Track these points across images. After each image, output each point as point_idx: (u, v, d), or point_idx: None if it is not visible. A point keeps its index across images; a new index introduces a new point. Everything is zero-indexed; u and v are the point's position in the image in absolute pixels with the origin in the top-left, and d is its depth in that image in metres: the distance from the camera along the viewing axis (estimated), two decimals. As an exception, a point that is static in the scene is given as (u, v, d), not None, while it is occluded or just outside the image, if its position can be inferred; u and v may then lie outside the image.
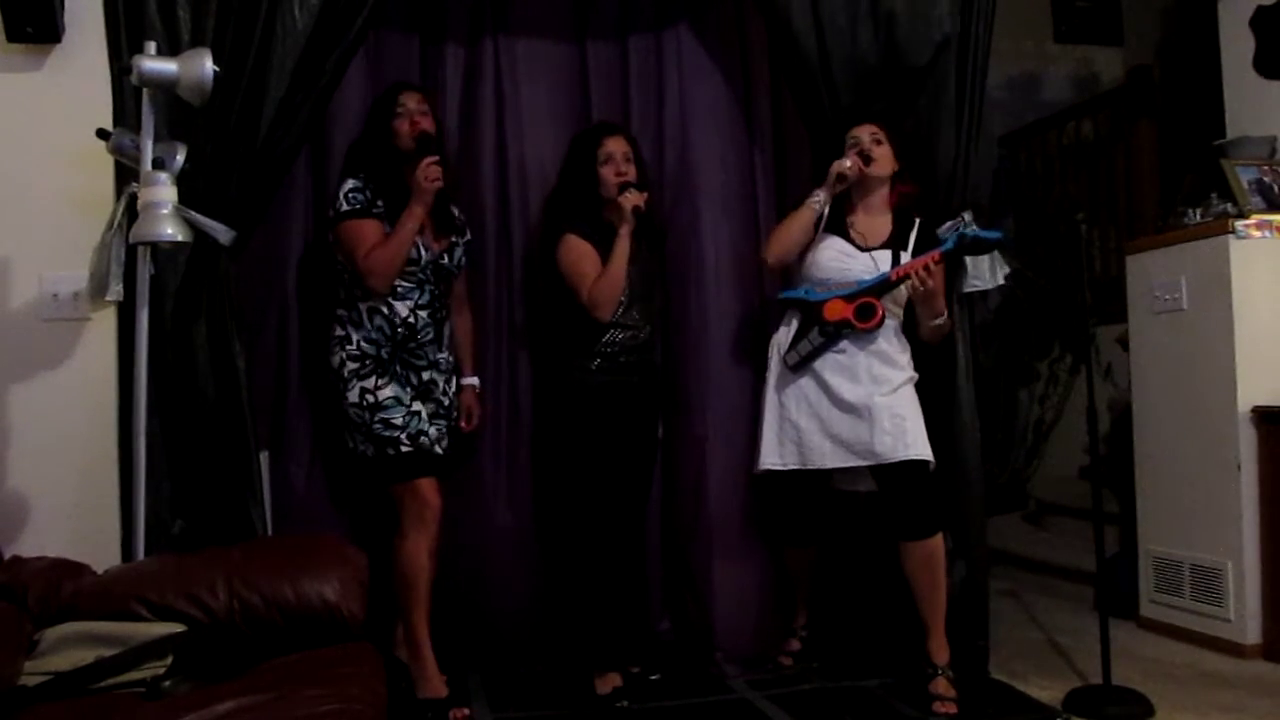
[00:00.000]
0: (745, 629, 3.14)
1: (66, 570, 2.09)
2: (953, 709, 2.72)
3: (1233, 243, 3.24)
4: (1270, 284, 3.26)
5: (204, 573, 2.06)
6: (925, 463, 2.79)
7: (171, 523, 2.54)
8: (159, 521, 2.50)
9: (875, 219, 2.94)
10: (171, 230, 2.32)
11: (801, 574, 3.16)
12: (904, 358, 2.89)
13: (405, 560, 2.70)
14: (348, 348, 2.73)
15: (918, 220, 2.92)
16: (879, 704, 2.83)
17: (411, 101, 2.78)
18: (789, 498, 3.05)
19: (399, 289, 2.73)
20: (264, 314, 2.95)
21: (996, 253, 2.97)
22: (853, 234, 2.91)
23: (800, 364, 2.88)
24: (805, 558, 3.13)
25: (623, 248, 2.80)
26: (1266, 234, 3.26)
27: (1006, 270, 3.01)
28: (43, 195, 2.54)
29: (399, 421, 2.70)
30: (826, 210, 2.89)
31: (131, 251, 2.45)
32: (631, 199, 2.81)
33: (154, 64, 2.30)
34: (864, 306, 2.82)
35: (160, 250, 2.46)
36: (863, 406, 2.80)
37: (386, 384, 2.71)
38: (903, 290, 2.87)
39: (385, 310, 2.73)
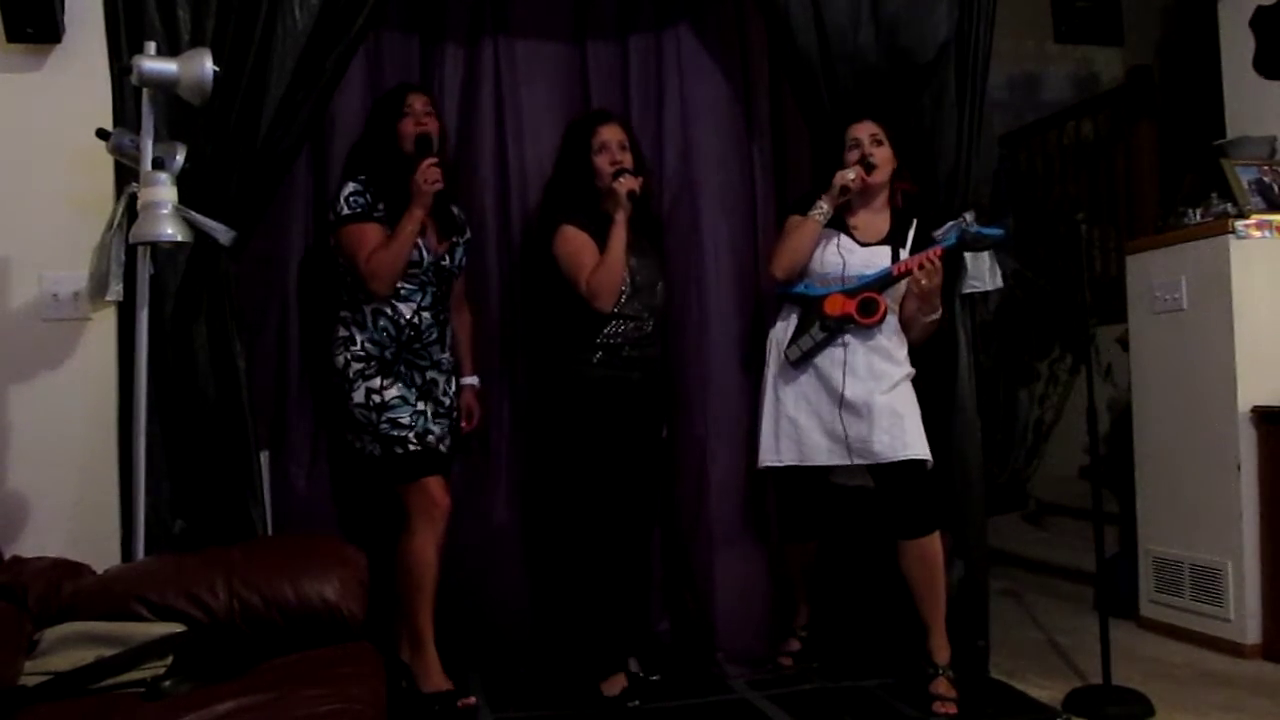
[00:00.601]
0: (745, 629, 3.14)
1: (66, 570, 2.09)
2: (953, 709, 2.72)
3: (1233, 243, 3.24)
4: (1270, 284, 3.26)
5: (204, 573, 2.06)
6: (923, 461, 2.79)
7: (171, 523, 2.54)
8: (159, 521, 2.50)
9: (875, 215, 2.94)
10: (171, 230, 2.31)
11: (801, 571, 3.16)
12: (902, 353, 2.89)
13: (413, 558, 2.70)
14: (352, 349, 2.73)
15: (916, 221, 2.93)
16: (879, 704, 2.83)
17: (418, 103, 2.79)
18: (788, 493, 3.06)
19: (402, 291, 2.74)
20: (264, 314, 2.95)
21: (995, 254, 2.97)
22: (852, 230, 2.91)
23: (801, 359, 2.88)
24: (805, 554, 3.13)
25: (619, 235, 2.77)
26: (1266, 234, 3.26)
27: (1005, 271, 3.01)
28: (43, 195, 2.54)
29: (406, 421, 2.70)
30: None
31: (131, 251, 2.45)
32: (625, 184, 2.77)
33: (154, 64, 2.30)
34: (867, 302, 2.82)
35: (160, 250, 2.46)
36: (862, 404, 2.80)
37: (392, 384, 2.71)
38: (900, 286, 2.86)
39: (389, 312, 2.73)
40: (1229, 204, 3.34)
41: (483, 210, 3.15)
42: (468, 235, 2.96)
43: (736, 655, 3.11)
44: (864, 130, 2.89)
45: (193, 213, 2.42)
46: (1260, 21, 3.60)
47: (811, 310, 2.88)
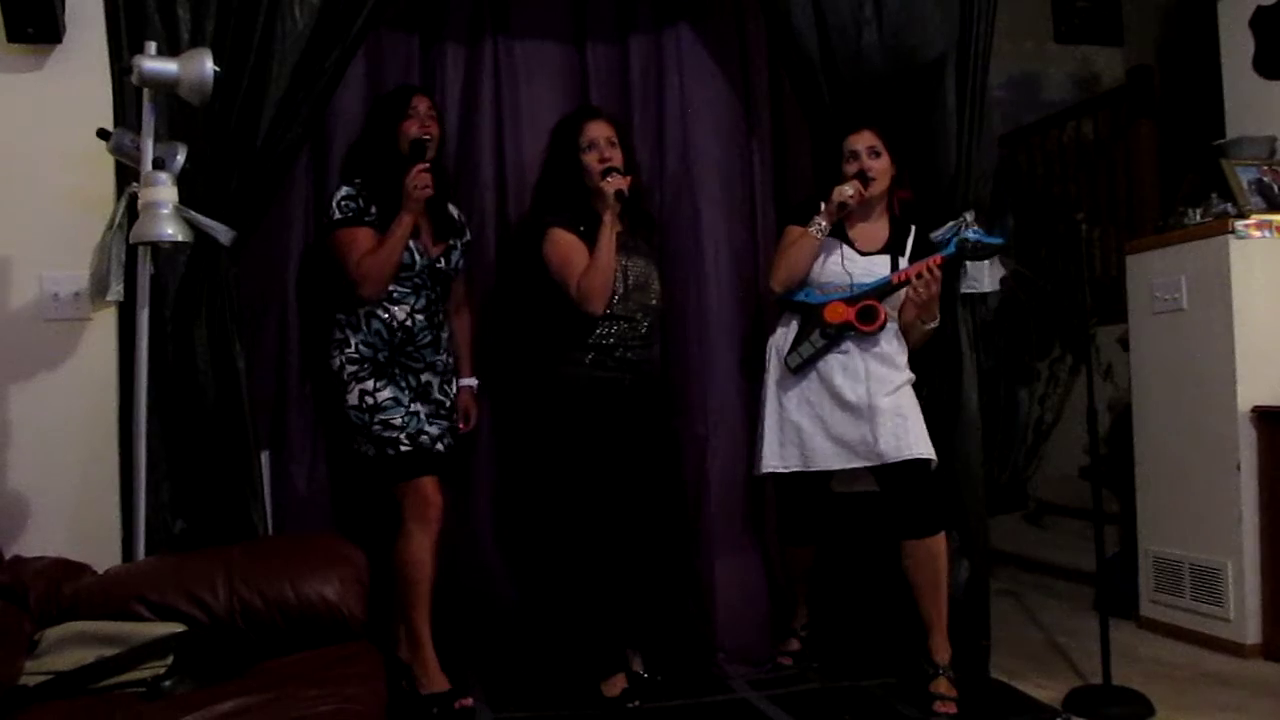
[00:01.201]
0: (745, 629, 3.14)
1: (67, 570, 2.10)
2: (953, 709, 2.72)
3: (1233, 243, 3.24)
4: (1270, 284, 3.26)
5: (204, 573, 2.06)
6: (927, 461, 2.79)
7: (172, 523, 2.54)
8: (159, 521, 2.50)
9: (874, 224, 2.95)
10: (171, 230, 2.31)
11: (801, 573, 3.16)
12: (902, 359, 2.90)
13: (408, 559, 2.71)
14: (346, 351, 2.73)
15: (914, 228, 2.93)
16: (879, 704, 2.83)
17: (422, 105, 2.80)
18: (789, 498, 3.05)
19: (395, 293, 2.74)
20: (264, 314, 2.95)
21: (995, 257, 2.97)
22: (852, 240, 2.92)
23: (802, 366, 2.88)
24: (805, 557, 3.13)
25: (608, 235, 2.73)
26: (1266, 234, 3.26)
27: (1003, 273, 3.01)
28: (43, 195, 2.54)
29: (398, 422, 2.70)
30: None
31: (131, 251, 2.45)
32: (614, 183, 2.74)
33: (154, 64, 2.30)
34: (866, 309, 2.82)
35: (160, 250, 2.46)
36: (864, 406, 2.80)
37: (385, 386, 2.72)
38: (900, 293, 2.87)
39: (383, 314, 2.74)
40: (1229, 204, 3.34)
41: (482, 211, 3.15)
42: (467, 237, 2.96)
43: (736, 655, 3.11)
44: (861, 142, 2.88)
45: (193, 213, 2.42)
46: (1260, 21, 3.60)
47: (811, 318, 2.88)
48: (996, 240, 2.85)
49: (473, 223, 3.11)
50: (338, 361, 2.74)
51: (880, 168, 2.88)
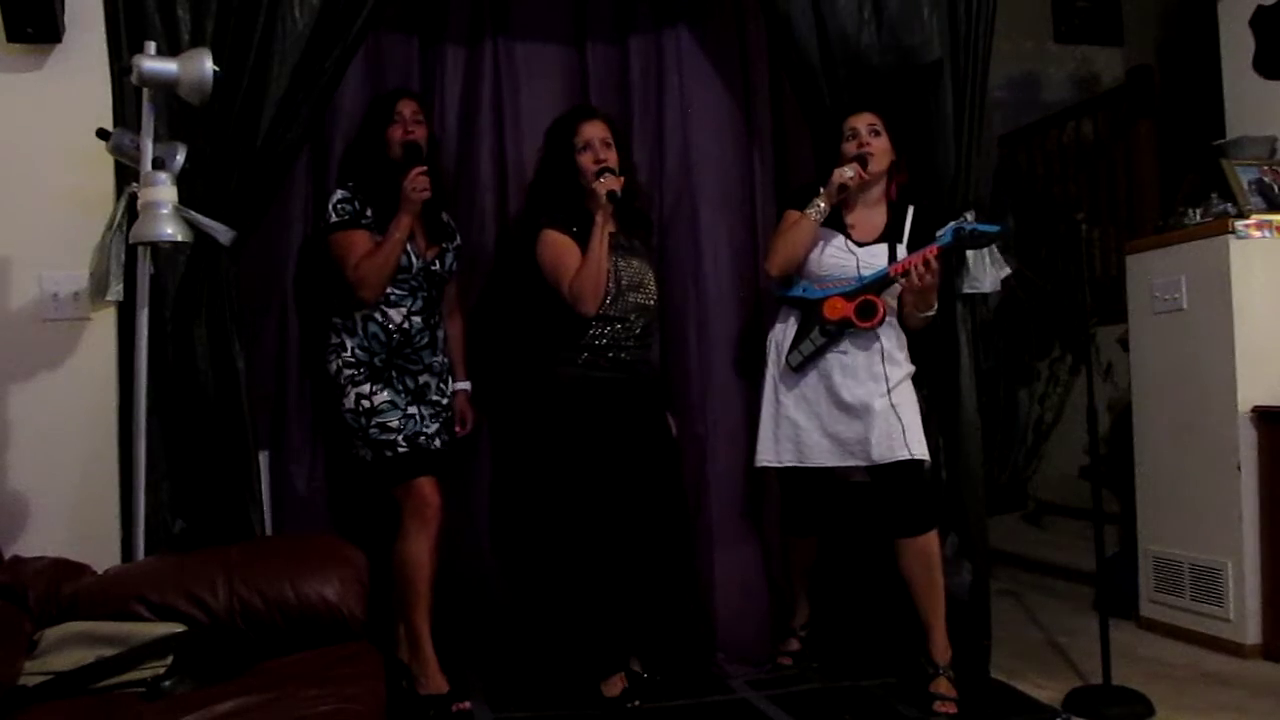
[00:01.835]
0: (745, 629, 3.14)
1: (66, 570, 2.10)
2: (953, 709, 2.73)
3: (1233, 243, 3.24)
4: (1270, 284, 3.26)
5: (204, 573, 2.06)
6: (919, 461, 2.79)
7: (171, 523, 2.54)
8: (159, 521, 2.50)
9: (872, 212, 2.93)
10: (171, 230, 2.31)
11: (802, 569, 3.16)
12: (902, 354, 2.89)
13: (406, 560, 2.71)
14: (343, 355, 2.74)
15: (911, 208, 2.91)
16: (879, 704, 2.83)
17: (407, 110, 2.80)
18: (791, 489, 3.06)
19: (392, 296, 2.75)
20: (264, 314, 2.95)
21: (997, 256, 2.96)
22: (850, 229, 2.91)
23: (803, 364, 2.88)
24: (807, 550, 3.13)
25: (599, 236, 2.73)
26: (1266, 234, 3.26)
27: (1006, 272, 3.00)
28: (43, 195, 2.54)
29: (395, 424, 2.71)
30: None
31: (131, 251, 2.44)
32: (606, 184, 2.73)
33: (154, 64, 2.30)
34: (865, 305, 2.82)
35: (160, 250, 2.46)
36: (862, 407, 2.80)
37: (381, 389, 2.73)
38: (898, 283, 2.86)
39: (379, 317, 2.74)
40: (1229, 204, 3.34)
41: (482, 212, 3.15)
42: (458, 241, 2.96)
43: (736, 655, 3.11)
44: (862, 121, 2.87)
45: (193, 213, 2.42)
46: (1260, 21, 3.60)
47: (810, 314, 2.88)
48: (993, 228, 2.84)
49: (473, 223, 3.11)
50: (334, 366, 2.75)
51: (880, 146, 2.86)
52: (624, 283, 2.83)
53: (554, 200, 2.84)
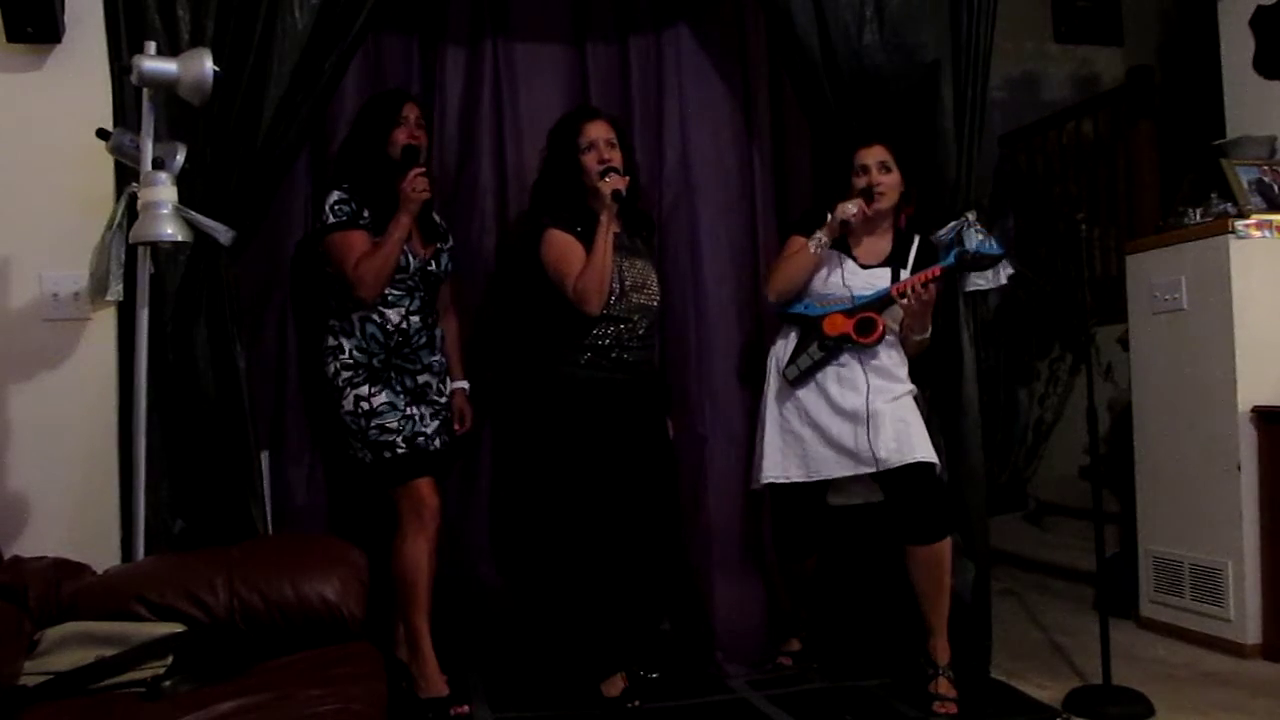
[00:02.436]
0: (745, 628, 3.14)
1: (66, 570, 2.09)
2: (953, 709, 2.72)
3: (1233, 243, 3.24)
4: (1270, 284, 3.26)
5: (204, 572, 2.06)
6: (931, 466, 2.78)
7: (171, 522, 2.54)
8: (159, 521, 2.50)
9: (878, 238, 2.94)
10: (171, 230, 2.31)
11: (801, 586, 3.14)
12: (902, 371, 2.89)
13: (405, 560, 2.71)
14: (341, 357, 2.74)
15: (917, 239, 2.93)
16: (879, 704, 2.83)
17: (413, 114, 2.81)
18: (784, 513, 3.03)
19: (389, 297, 2.75)
20: (264, 314, 2.96)
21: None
22: (854, 252, 2.91)
23: (800, 378, 2.87)
24: (804, 571, 3.10)
25: (604, 236, 2.73)
26: (1266, 234, 3.26)
27: (1010, 271, 3.00)
28: (43, 195, 2.54)
29: (394, 425, 2.71)
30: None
31: (131, 251, 2.45)
32: (611, 183, 2.73)
33: (154, 64, 2.30)
34: (864, 321, 2.82)
35: (160, 250, 2.46)
36: (861, 412, 2.80)
37: (380, 391, 2.72)
38: (898, 304, 2.86)
39: (377, 319, 2.74)
40: (1229, 204, 3.34)
41: (482, 212, 3.15)
42: (450, 243, 2.96)
43: (736, 655, 3.11)
44: (872, 156, 2.87)
45: (193, 213, 2.43)
46: (1260, 21, 3.60)
47: (810, 330, 2.87)
48: (995, 250, 2.86)
49: (473, 223, 3.11)
50: (332, 368, 2.75)
51: (890, 183, 2.87)
52: (627, 283, 2.83)
53: (558, 200, 2.84)
